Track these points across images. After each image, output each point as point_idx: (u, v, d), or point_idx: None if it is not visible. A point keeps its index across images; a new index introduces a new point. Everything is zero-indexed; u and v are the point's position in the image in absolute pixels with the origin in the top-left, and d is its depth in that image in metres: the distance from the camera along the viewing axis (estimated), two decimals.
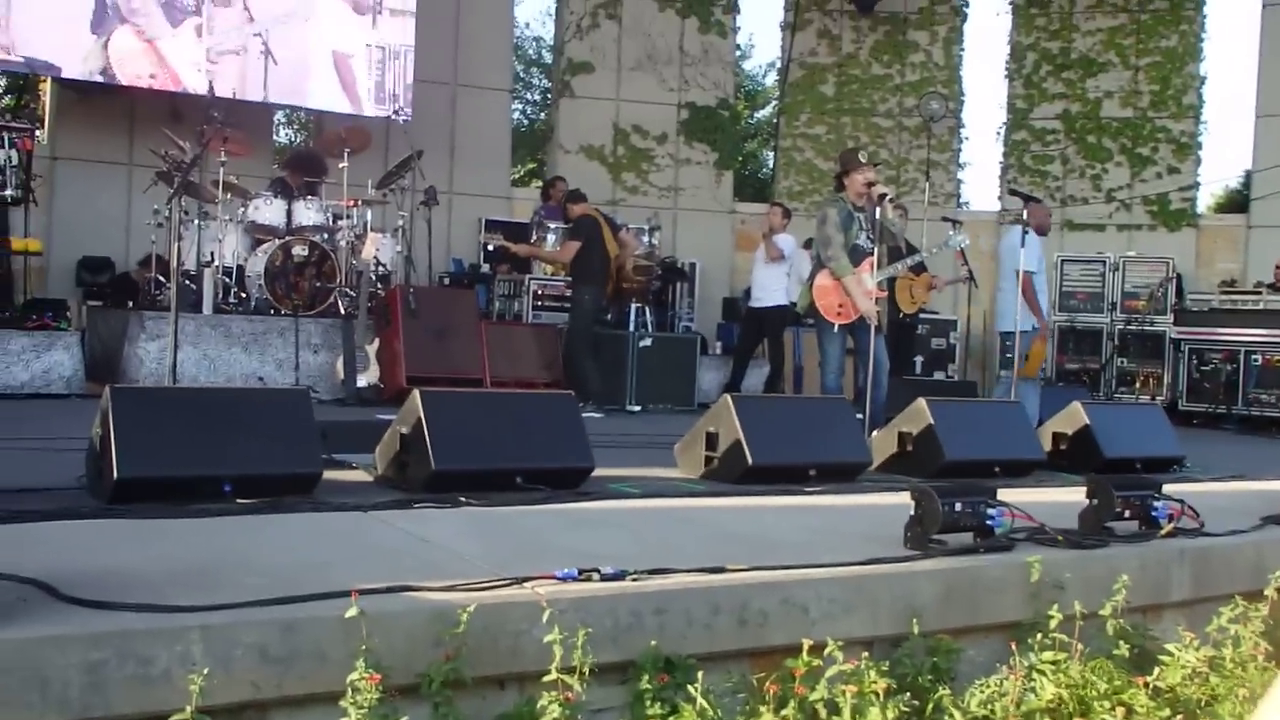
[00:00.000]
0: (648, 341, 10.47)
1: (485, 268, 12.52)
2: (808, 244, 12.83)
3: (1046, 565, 3.54)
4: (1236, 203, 18.14)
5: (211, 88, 10.28)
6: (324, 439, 4.36)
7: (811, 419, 5.59)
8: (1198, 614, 4.00)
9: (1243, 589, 3.97)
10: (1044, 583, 3.52)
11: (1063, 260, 13.07)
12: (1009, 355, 8.94)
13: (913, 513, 3.67)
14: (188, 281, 9.04)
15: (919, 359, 12.53)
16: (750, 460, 5.09)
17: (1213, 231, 14.45)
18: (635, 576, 2.96)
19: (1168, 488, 4.36)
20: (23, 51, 10.78)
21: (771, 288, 10.75)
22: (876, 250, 7.23)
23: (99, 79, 11.12)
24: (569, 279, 10.08)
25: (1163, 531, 4.16)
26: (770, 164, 20.20)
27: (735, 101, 15.68)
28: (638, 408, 10.24)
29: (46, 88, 12.18)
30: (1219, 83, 33.69)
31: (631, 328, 10.63)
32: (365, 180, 10.16)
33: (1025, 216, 8.46)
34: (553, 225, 10.78)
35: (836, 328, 7.36)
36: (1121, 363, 12.58)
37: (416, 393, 4.46)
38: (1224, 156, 35.23)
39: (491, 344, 9.72)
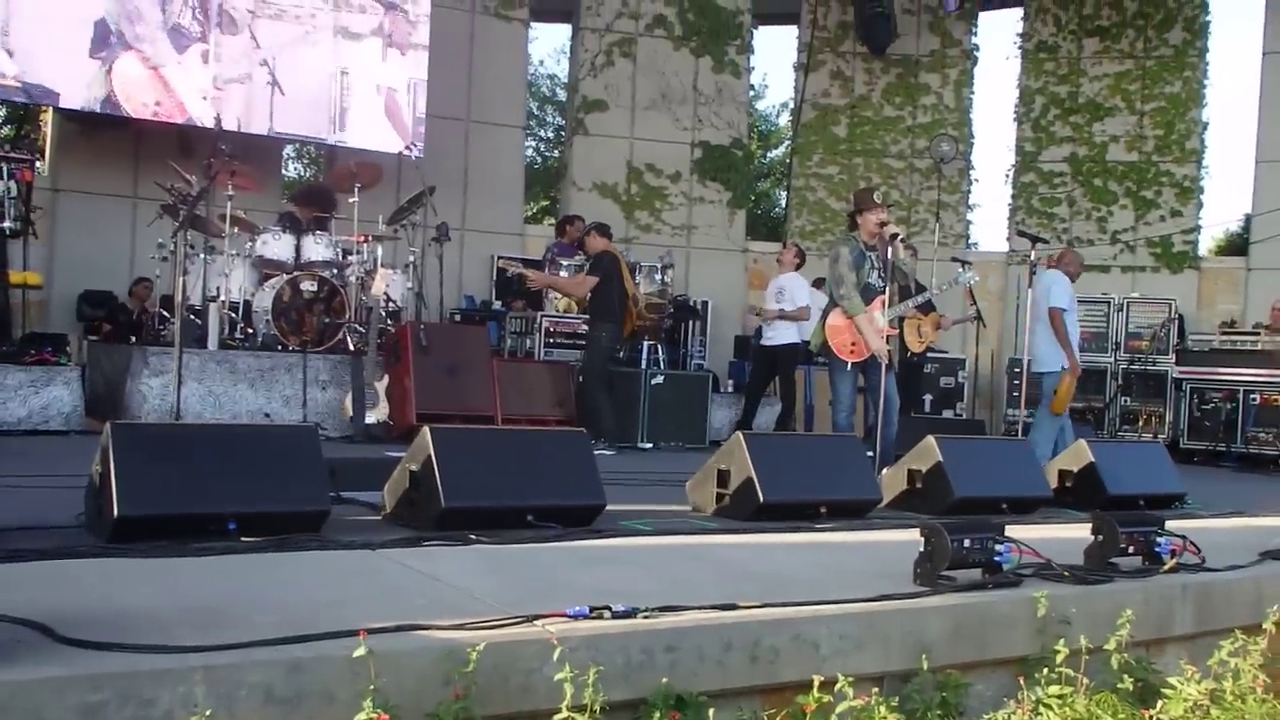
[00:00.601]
0: (660, 379, 10.45)
1: (498, 304, 12.52)
2: (818, 283, 12.94)
3: (1053, 600, 3.56)
4: (1236, 245, 18.15)
5: (219, 120, 10.28)
6: (332, 476, 4.35)
7: (822, 456, 5.62)
8: (1199, 647, 4.03)
9: (1242, 623, 4.00)
10: (1050, 618, 3.54)
11: None
12: (1039, 394, 8.98)
13: (922, 549, 3.69)
14: (193, 316, 9.02)
15: (927, 397, 12.50)
16: (762, 497, 5.11)
17: (1214, 274, 14.44)
18: (647, 614, 2.94)
19: (1170, 524, 4.39)
20: (22, 79, 10.61)
21: (782, 325, 10.72)
22: (888, 289, 7.23)
23: (101, 108, 10.99)
24: (584, 315, 10.06)
25: (1165, 567, 4.18)
26: (783, 203, 20.25)
27: (748, 141, 15.73)
28: (650, 445, 10.21)
29: (48, 118, 12.12)
30: (1220, 128, 33.86)
31: (644, 365, 10.61)
32: (376, 216, 10.17)
33: (1058, 258, 8.63)
34: (565, 262, 10.78)
35: (849, 366, 7.36)
36: (1125, 401, 12.57)
37: (426, 429, 4.44)
38: (1225, 200, 35.32)
39: (503, 381, 9.69)
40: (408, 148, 11.98)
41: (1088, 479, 6.38)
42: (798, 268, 11.08)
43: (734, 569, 3.90)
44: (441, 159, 12.74)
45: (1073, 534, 4.61)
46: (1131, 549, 4.19)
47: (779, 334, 10.76)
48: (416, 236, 10.15)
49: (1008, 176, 15.16)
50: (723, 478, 5.34)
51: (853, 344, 7.36)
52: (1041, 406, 9.08)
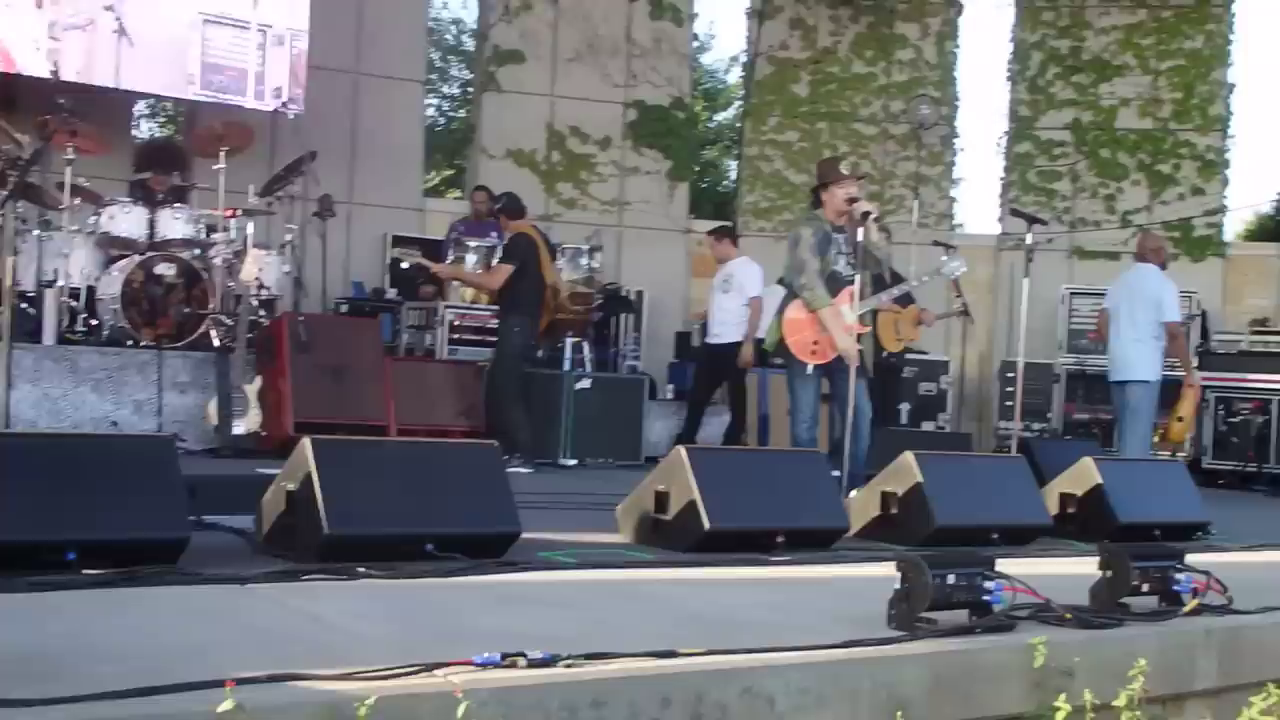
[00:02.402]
0: (586, 383, 10.46)
1: (392, 292, 12.46)
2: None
3: (1053, 648, 3.58)
4: (1268, 230, 18.52)
5: (56, 72, 10.12)
6: (192, 497, 4.33)
7: (779, 476, 5.64)
8: (1226, 704, 4.05)
9: (1276, 675, 4.02)
10: (1050, 668, 3.56)
11: (1070, 293, 13.26)
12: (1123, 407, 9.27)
13: (898, 587, 3.71)
14: (25, 305, 8.88)
15: (905, 406, 12.61)
16: (707, 524, 5.12)
17: (1242, 262, 14.73)
18: (569, 662, 2.95)
19: (1191, 558, 4.42)
20: None
21: (731, 321, 10.77)
22: (859, 278, 7.29)
23: None
24: (496, 308, 10.05)
25: (1186, 608, 4.21)
26: (733, 175, 20.33)
27: (692, 101, 15.77)
28: (573, 462, 10.21)
29: None
30: (1249, 92, 34.48)
31: (567, 367, 10.62)
32: (246, 186, 10.07)
33: (1143, 248, 8.86)
34: (474, 244, 10.75)
35: (810, 369, 7.42)
36: None
37: (306, 442, 4.44)
38: (1254, 177, 36.00)
39: (399, 384, 9.66)
40: (284, 105, 11.87)
41: (1094, 504, 6.45)
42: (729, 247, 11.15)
43: (673, 609, 3.91)
44: (325, 119, 12.65)
45: (1076, 569, 4.62)
46: (1146, 587, 4.21)
47: (727, 330, 10.82)
48: (294, 211, 10.07)
49: (999, 146, 15.37)
50: (661, 501, 5.35)
51: (815, 343, 7.41)
52: (1130, 421, 9.26)
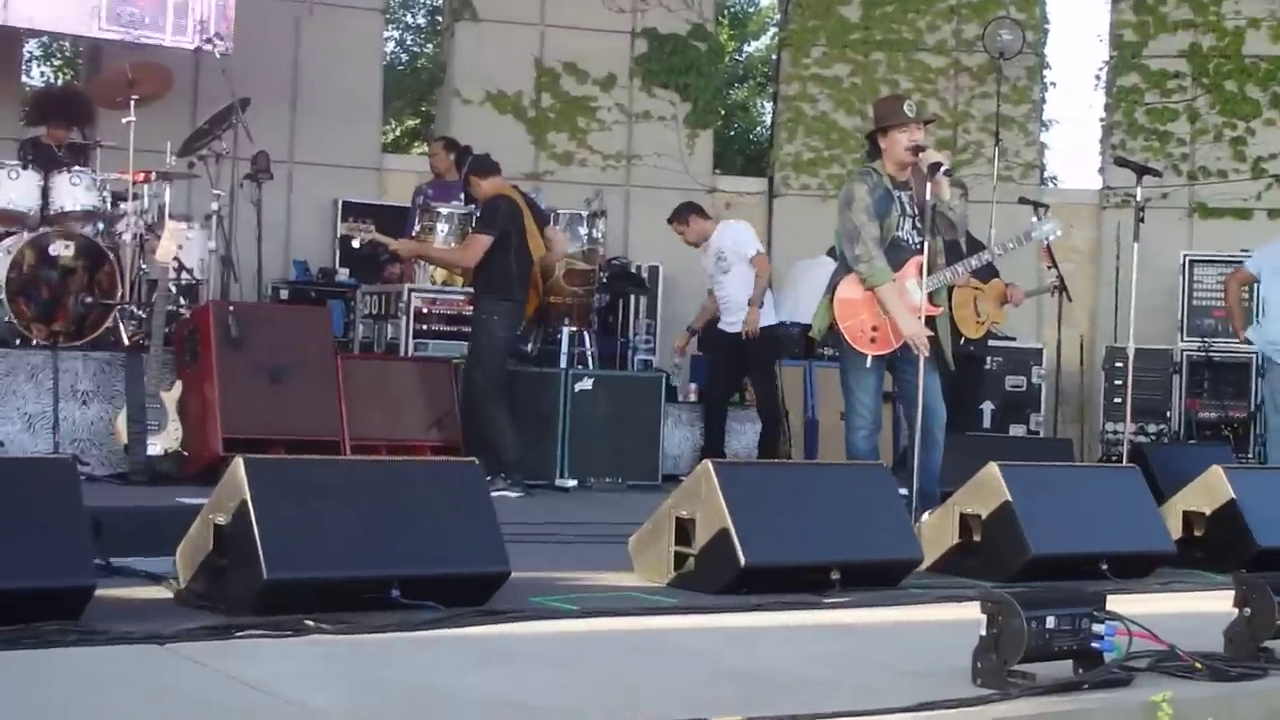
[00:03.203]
0: (588, 383, 10.43)
1: (344, 273, 12.44)
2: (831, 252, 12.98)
3: (1180, 705, 3.59)
4: None
5: None
6: (98, 534, 4.39)
7: (833, 496, 5.69)
8: None
9: None
10: None
11: (1191, 261, 13.21)
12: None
13: (984, 633, 3.73)
14: None
15: (988, 406, 12.59)
16: (743, 559, 5.14)
17: None
18: None
19: None
20: None
21: (744, 301, 10.73)
22: (928, 246, 7.25)
23: None
24: (471, 291, 10.03)
25: None
26: (768, 120, 20.26)
27: (716, 28, 15.72)
28: (573, 483, 10.19)
29: None
30: None
31: (563, 363, 10.60)
32: (163, 143, 10.06)
33: None
34: (445, 211, 10.73)
35: (869, 361, 7.38)
36: None
37: (239, 463, 4.45)
38: None
39: (353, 389, 9.64)
40: (209, 41, 11.84)
41: (1228, 525, 6.47)
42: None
43: (703, 667, 3.91)
44: (260, 59, 12.62)
45: (1207, 606, 4.68)
46: None
47: (734, 317, 10.81)
48: (223, 174, 10.05)
49: (1099, 79, 15.30)
50: (684, 530, 5.39)
51: (874, 329, 7.37)
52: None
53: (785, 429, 11.21)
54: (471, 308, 9.98)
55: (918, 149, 7.33)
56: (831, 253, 12.76)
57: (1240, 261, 12.97)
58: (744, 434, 11.31)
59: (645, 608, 4.91)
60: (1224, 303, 11.51)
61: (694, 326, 11.33)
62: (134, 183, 9.68)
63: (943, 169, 7.20)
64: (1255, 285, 10.35)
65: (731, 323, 10.79)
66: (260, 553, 4.28)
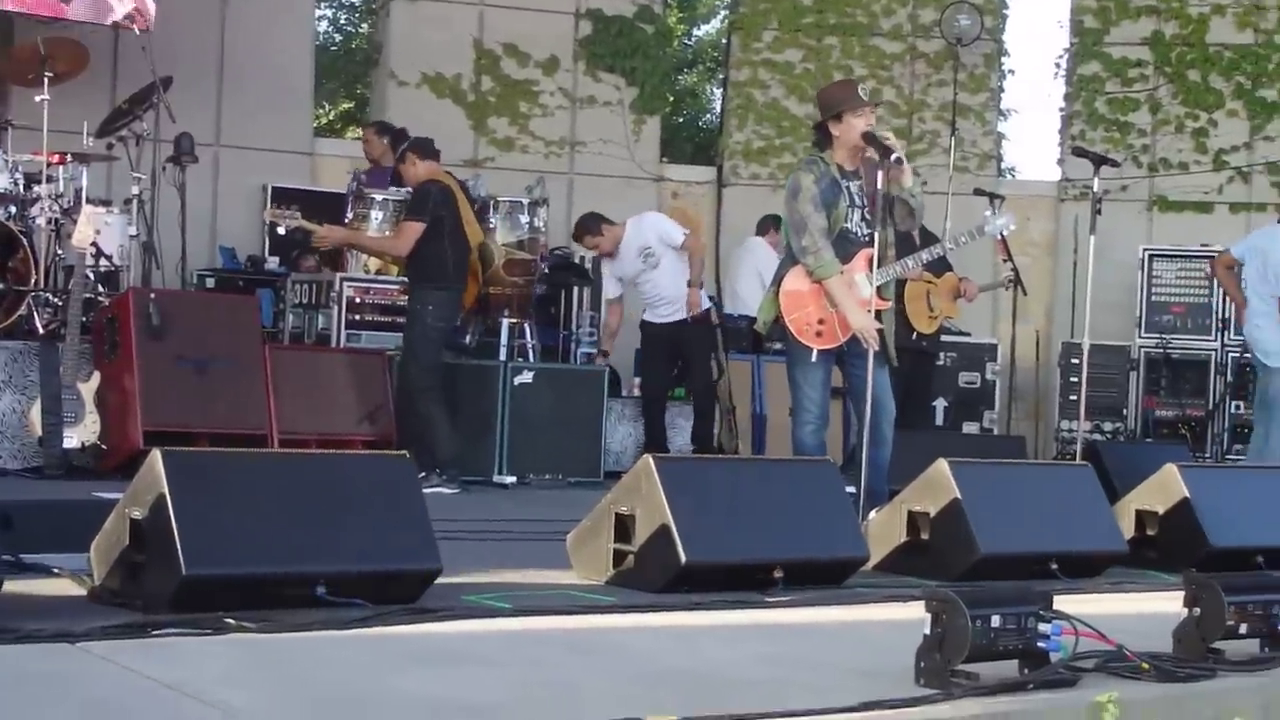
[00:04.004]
0: (528, 376, 10.41)
1: (273, 261, 12.37)
2: (769, 226, 12.98)
3: (1127, 706, 3.62)
4: None
5: None
6: (8, 529, 4.39)
7: (778, 493, 5.71)
8: None
9: None
10: None
11: (1150, 255, 13.29)
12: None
13: (929, 632, 3.74)
14: None
15: (941, 403, 12.63)
16: (684, 557, 5.14)
17: None
18: None
19: None
20: None
21: (680, 293, 10.77)
22: (878, 238, 7.25)
23: None
24: (406, 279, 9.99)
25: None
26: (718, 107, 20.26)
27: (664, 10, 15.71)
28: (511, 479, 10.17)
29: None
30: None
31: (502, 355, 10.56)
32: (79, 123, 10.00)
33: None
34: (379, 197, 10.70)
35: (815, 355, 7.38)
36: (1238, 408, 12.80)
37: (157, 455, 4.43)
38: None
39: (282, 381, 9.61)
40: (128, 17, 11.76)
41: (1180, 524, 6.50)
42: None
43: (641, 667, 3.92)
44: (183, 36, 12.54)
45: (1157, 606, 4.71)
46: (1244, 628, 4.26)
47: (676, 308, 10.82)
48: (144, 156, 9.98)
49: (1059, 67, 15.36)
50: (624, 527, 5.39)
51: (821, 322, 7.37)
52: (1262, 416, 9.42)
53: (732, 424, 11.23)
54: (406, 297, 9.94)
55: (872, 136, 7.33)
56: (761, 230, 12.87)
57: (1193, 256, 13.13)
58: (688, 430, 11.31)
59: (583, 606, 4.92)
60: (1222, 289, 11.62)
61: (606, 349, 11.37)
62: (48, 164, 9.61)
63: (894, 156, 7.20)
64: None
65: (666, 314, 10.81)
66: (178, 548, 4.25)
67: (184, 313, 9.36)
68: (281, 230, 10.50)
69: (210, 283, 11.80)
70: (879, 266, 7.30)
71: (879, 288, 7.37)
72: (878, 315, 7.34)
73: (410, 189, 9.89)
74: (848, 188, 7.43)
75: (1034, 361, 13.81)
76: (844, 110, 7.45)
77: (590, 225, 11.21)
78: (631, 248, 10.95)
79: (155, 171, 10.02)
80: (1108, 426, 12.86)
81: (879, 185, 7.19)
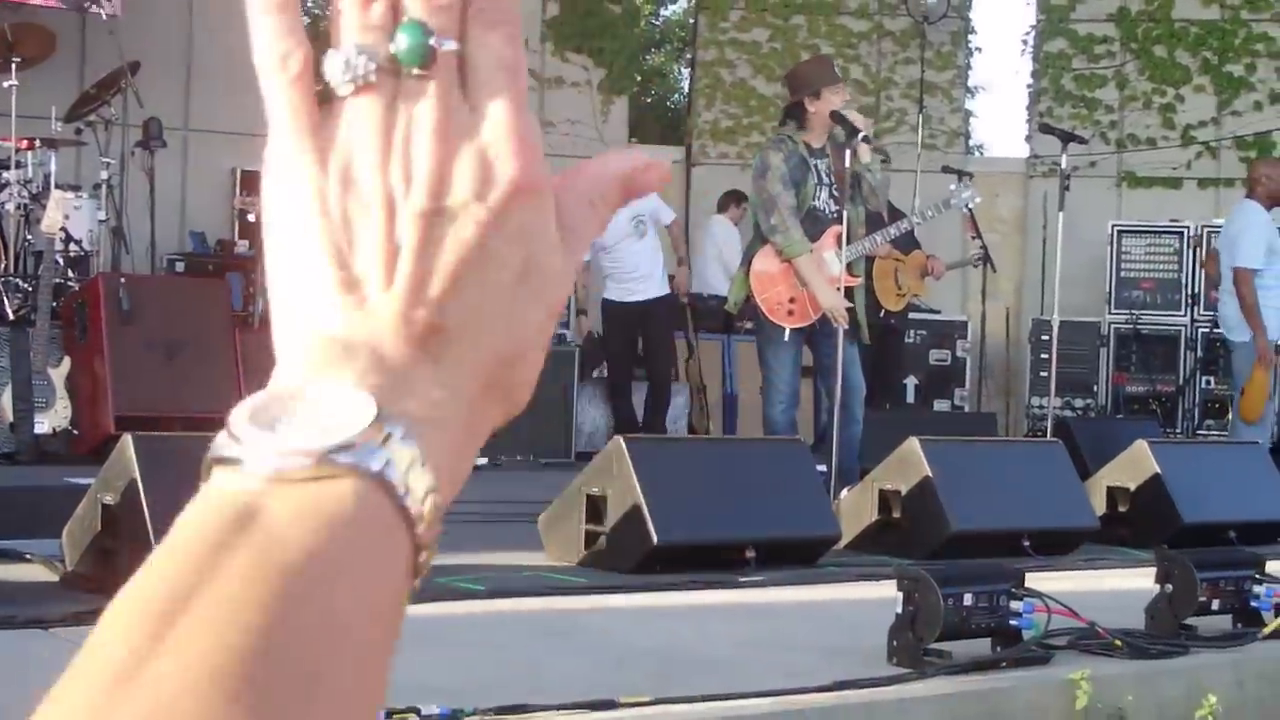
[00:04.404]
0: None
1: (243, 245, 12.34)
2: (730, 203, 12.99)
3: (1099, 683, 3.66)
4: None
5: None
6: None
7: (749, 472, 5.69)
8: None
9: None
10: (1096, 709, 3.64)
11: (1119, 231, 13.35)
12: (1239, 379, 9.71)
13: (900, 610, 3.75)
14: None
15: (911, 381, 12.65)
16: (656, 537, 5.14)
17: None
18: (481, 715, 2.93)
19: (1274, 565, 4.50)
20: None
21: (652, 272, 10.76)
22: (847, 215, 7.29)
23: None
24: None
25: (1267, 629, 4.29)
26: (685, 87, 20.25)
27: None
28: (483, 460, 10.17)
29: None
30: None
31: None
32: (47, 108, 9.99)
33: (1252, 178, 8.99)
34: None
35: (787, 334, 7.42)
36: (1208, 383, 12.87)
37: (129, 441, 4.43)
38: None
39: (252, 365, 9.58)
40: (95, 1, 11.72)
41: (1151, 500, 6.55)
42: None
43: (613, 647, 3.95)
44: (151, 20, 12.50)
45: (1129, 583, 4.72)
46: (1216, 604, 4.29)
47: (652, 284, 10.79)
48: (112, 141, 9.96)
49: (1026, 44, 15.42)
50: (595, 508, 5.40)
51: (791, 301, 7.41)
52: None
53: (703, 404, 11.24)
54: None
55: (839, 115, 7.35)
56: (722, 207, 12.86)
57: (1162, 231, 13.17)
58: (673, 408, 11.28)
59: (554, 587, 4.93)
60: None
61: (586, 309, 11.38)
62: (17, 150, 9.57)
63: (862, 135, 7.23)
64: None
65: (638, 290, 10.76)
66: (151, 532, 4.24)
67: (154, 297, 9.34)
68: (253, 217, 10.48)
69: (180, 267, 11.78)
70: (849, 244, 7.33)
71: (848, 265, 7.40)
72: (848, 293, 7.37)
73: None
74: (816, 166, 7.46)
75: (1004, 338, 13.85)
76: (822, 87, 7.47)
77: None
78: (623, 211, 10.91)
79: (124, 156, 9.99)
80: (1078, 403, 12.90)
81: (847, 164, 7.22)
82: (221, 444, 0.58)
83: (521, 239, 0.64)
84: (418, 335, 0.62)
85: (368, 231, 0.63)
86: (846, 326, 7.20)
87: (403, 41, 0.63)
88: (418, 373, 0.62)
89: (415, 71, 0.63)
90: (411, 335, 0.62)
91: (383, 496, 0.58)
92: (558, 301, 0.68)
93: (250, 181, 12.61)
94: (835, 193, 7.41)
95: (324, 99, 0.65)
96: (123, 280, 9.17)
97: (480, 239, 0.63)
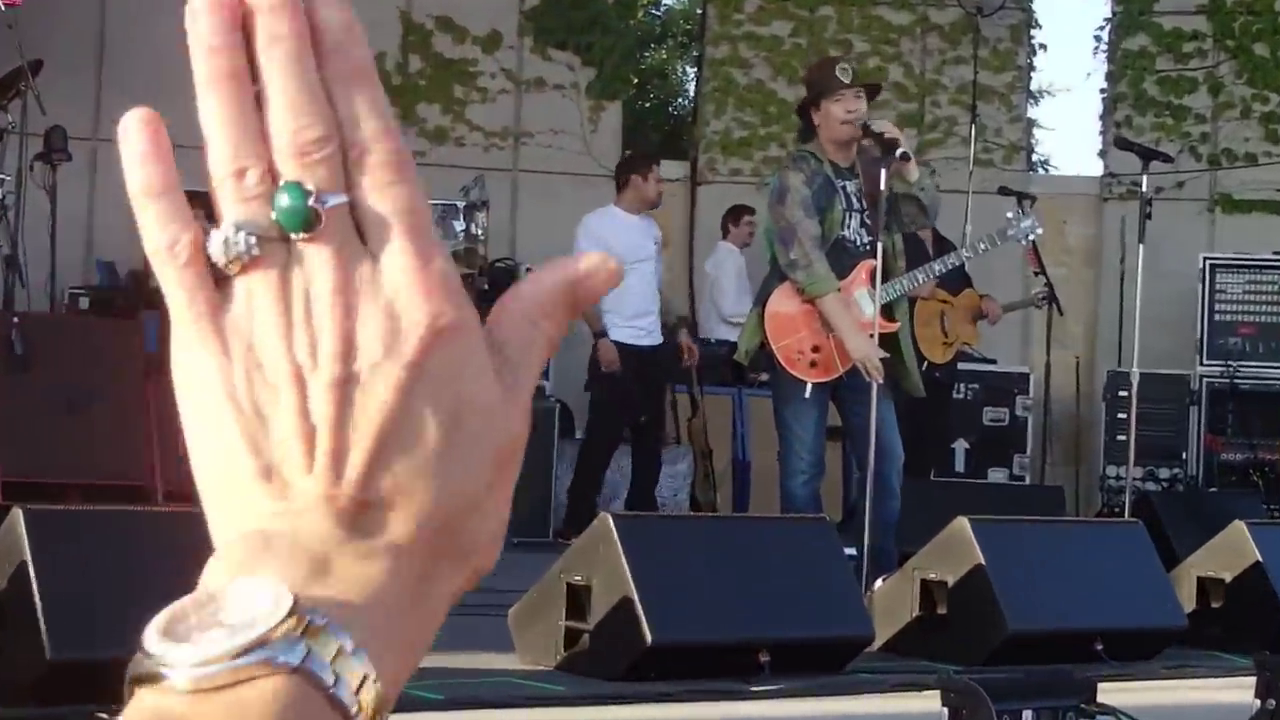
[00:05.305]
0: None
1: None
2: (730, 222, 13.01)
3: None
4: None
5: None
6: None
7: (762, 557, 5.68)
8: None
9: None
10: None
11: (1212, 265, 13.34)
12: None
13: None
14: None
15: (960, 445, 12.65)
16: (650, 637, 5.14)
17: None
18: None
19: None
20: None
21: (653, 308, 10.75)
22: (882, 246, 7.28)
23: None
24: None
25: None
26: (691, 90, 20.30)
27: None
28: None
29: None
30: None
31: None
32: None
33: None
34: None
35: (809, 390, 7.40)
36: None
37: (18, 516, 4.42)
38: None
39: (169, 422, 9.56)
40: None
41: (1252, 594, 6.51)
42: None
43: None
44: (58, 13, 12.56)
45: (1223, 696, 4.70)
46: None
47: (652, 323, 10.78)
48: (8, 154, 10.04)
49: (1100, 41, 15.45)
50: (577, 601, 5.40)
51: (815, 349, 7.39)
52: None
53: (709, 472, 11.22)
54: None
55: (865, 127, 7.34)
56: (726, 228, 12.87)
57: (1265, 265, 13.13)
58: (673, 477, 11.27)
59: (528, 696, 4.92)
60: None
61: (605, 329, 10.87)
62: None
63: (900, 151, 7.20)
64: None
65: (643, 330, 10.69)
66: (43, 627, 4.24)
67: (53, 339, 9.36)
68: None
69: (85, 303, 11.79)
70: (884, 281, 7.32)
71: (884, 306, 7.39)
72: (883, 340, 7.35)
73: None
74: (844, 188, 7.45)
75: (1073, 394, 13.84)
76: (821, 96, 7.46)
77: (640, 164, 11.22)
78: (651, 228, 10.94)
79: (21, 171, 10.01)
80: (1163, 473, 12.84)
81: (882, 184, 7.19)
82: (139, 662, 0.63)
83: (447, 385, 0.67)
84: (344, 515, 0.65)
85: (280, 414, 0.66)
86: (881, 381, 7.18)
87: (283, 206, 0.67)
88: (346, 553, 0.65)
89: (302, 236, 0.67)
90: (337, 516, 0.65)
91: (310, 690, 0.61)
92: (506, 444, 0.70)
93: None
94: (868, 220, 7.40)
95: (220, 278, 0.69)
96: (15, 319, 9.17)
97: (399, 398, 0.66)
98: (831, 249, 7.39)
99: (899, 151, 7.20)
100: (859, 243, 7.45)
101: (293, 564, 0.64)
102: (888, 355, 7.32)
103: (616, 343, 10.78)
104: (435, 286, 0.67)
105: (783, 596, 5.59)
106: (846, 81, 7.47)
